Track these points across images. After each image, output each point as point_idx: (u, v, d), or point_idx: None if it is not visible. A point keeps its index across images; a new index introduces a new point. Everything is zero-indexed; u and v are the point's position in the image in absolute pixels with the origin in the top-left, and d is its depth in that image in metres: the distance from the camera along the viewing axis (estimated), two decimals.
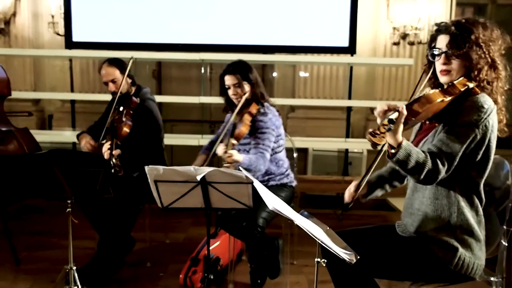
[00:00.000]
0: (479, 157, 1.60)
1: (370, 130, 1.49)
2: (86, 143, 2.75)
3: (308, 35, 4.39)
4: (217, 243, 2.85)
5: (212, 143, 2.72)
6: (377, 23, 4.94)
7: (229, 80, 2.55)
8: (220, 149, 2.38)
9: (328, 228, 1.63)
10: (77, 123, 4.71)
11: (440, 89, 1.60)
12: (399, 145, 1.51)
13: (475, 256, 1.65)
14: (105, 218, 2.67)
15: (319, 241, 1.34)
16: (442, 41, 1.64)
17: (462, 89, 1.59)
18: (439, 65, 1.66)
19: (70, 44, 4.45)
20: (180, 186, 2.02)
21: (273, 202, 1.31)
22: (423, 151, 1.57)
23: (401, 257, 1.70)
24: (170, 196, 2.08)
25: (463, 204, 1.64)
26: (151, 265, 2.95)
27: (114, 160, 2.50)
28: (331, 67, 4.98)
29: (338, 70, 4.99)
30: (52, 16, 4.85)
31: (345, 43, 4.31)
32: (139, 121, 2.82)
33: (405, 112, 1.48)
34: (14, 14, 5.12)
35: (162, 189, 2.04)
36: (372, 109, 4.66)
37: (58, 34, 4.83)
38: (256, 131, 2.51)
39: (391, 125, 1.47)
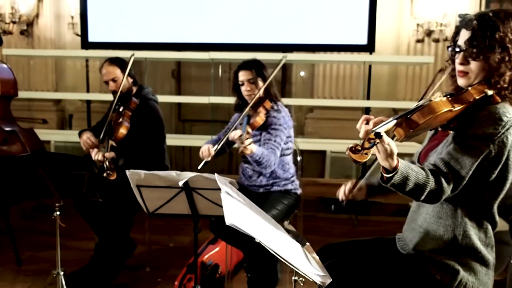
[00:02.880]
0: (493, 176, 1.38)
1: (351, 145, 1.27)
2: (86, 139, 2.66)
3: (325, 33, 4.22)
4: (217, 249, 2.75)
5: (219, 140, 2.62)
6: (400, 19, 4.70)
7: (243, 75, 2.48)
8: (235, 133, 2.25)
9: (307, 244, 1.50)
10: (93, 123, 4.73)
11: (449, 96, 1.38)
12: (395, 168, 1.30)
13: (479, 281, 1.46)
14: (101, 220, 2.62)
15: (283, 260, 1.21)
16: (463, 37, 1.40)
17: (478, 97, 1.37)
18: (457, 64, 1.44)
19: (86, 44, 4.48)
20: (164, 192, 1.93)
21: (235, 216, 1.18)
22: (423, 168, 1.36)
23: (396, 276, 1.53)
24: (155, 202, 2.00)
25: (470, 226, 1.44)
26: (150, 270, 2.89)
27: (107, 163, 2.43)
28: (351, 66, 4.78)
29: (359, 69, 4.78)
30: (72, 17, 4.91)
31: (363, 40, 4.12)
32: (140, 121, 2.76)
33: (386, 140, 1.25)
34: (37, 16, 5.21)
35: (146, 194, 1.96)
36: (394, 110, 4.44)
37: (77, 35, 4.87)
38: (268, 127, 2.43)
39: (378, 139, 1.25)
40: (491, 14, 1.37)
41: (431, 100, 1.36)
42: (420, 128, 1.35)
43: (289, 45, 4.37)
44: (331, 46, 4.33)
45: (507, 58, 1.35)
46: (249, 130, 2.28)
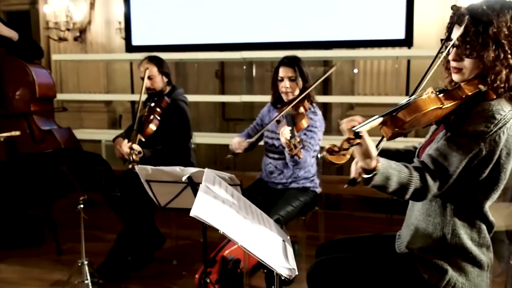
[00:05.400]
0: (484, 175, 1.31)
1: (328, 146, 1.23)
2: (117, 151, 2.75)
3: (363, 29, 4.13)
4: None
5: (249, 135, 2.66)
6: (444, 12, 4.48)
7: (284, 71, 2.47)
8: (285, 130, 2.13)
9: (288, 237, 1.50)
10: None
11: (438, 93, 1.31)
12: (374, 168, 1.25)
13: (470, 282, 1.39)
14: (127, 211, 2.74)
15: (247, 251, 1.22)
16: (455, 33, 1.32)
17: (470, 93, 1.30)
18: (450, 60, 1.37)
19: (130, 47, 4.70)
20: (172, 186, 2.00)
21: (202, 210, 1.21)
22: (407, 166, 1.31)
23: (385, 275, 1.49)
24: (165, 196, 2.08)
25: (460, 225, 1.38)
26: (177, 263, 2.99)
27: (133, 156, 2.55)
28: (392, 61, 4.62)
29: (400, 64, 4.62)
30: (119, 23, 5.18)
31: (401, 35, 3.98)
32: (169, 120, 2.86)
33: (361, 139, 1.20)
34: (89, 23, 5.55)
35: (155, 189, 2.04)
36: None
37: (124, 39, 5.13)
38: (306, 129, 2.41)
39: (358, 140, 1.20)
40: (485, 7, 1.27)
41: (418, 97, 1.30)
42: (406, 126, 1.30)
43: (327, 42, 4.32)
44: (369, 42, 4.23)
45: (502, 55, 1.26)
46: (296, 132, 2.22)
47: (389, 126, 1.31)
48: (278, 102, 2.57)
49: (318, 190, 2.58)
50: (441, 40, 1.40)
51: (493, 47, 1.26)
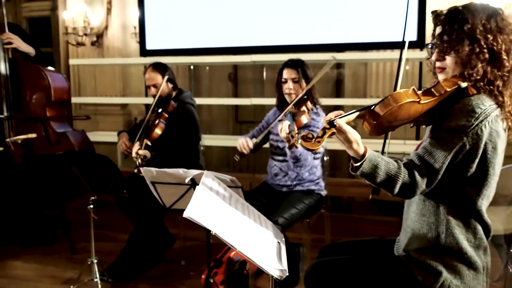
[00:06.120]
0: (471, 170, 1.34)
1: (303, 133, 1.32)
2: (122, 143, 2.92)
3: (374, 30, 4.12)
4: None
5: (254, 137, 2.69)
6: None
7: (288, 73, 2.54)
8: (284, 125, 2.18)
9: (283, 239, 1.53)
10: None
11: (414, 88, 1.36)
12: (363, 156, 1.32)
13: (466, 285, 1.39)
14: (137, 212, 2.81)
15: (239, 252, 1.25)
16: (436, 33, 1.41)
17: (449, 89, 1.34)
18: (434, 60, 1.44)
19: (144, 52, 4.80)
20: (176, 188, 2.06)
21: (194, 210, 1.25)
22: (396, 160, 1.36)
23: (380, 277, 1.51)
24: (170, 197, 2.13)
25: (454, 224, 1.39)
26: (185, 263, 3.04)
27: (139, 160, 2.62)
28: (404, 63, 4.59)
29: (413, 66, 4.59)
30: (134, 27, 5.28)
31: (413, 37, 3.95)
32: (177, 123, 2.92)
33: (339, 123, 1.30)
34: (106, 28, 5.66)
35: (161, 190, 2.10)
36: None
37: (139, 43, 5.23)
38: (307, 128, 2.47)
39: (332, 128, 1.28)
40: (460, 8, 1.35)
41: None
42: (384, 120, 1.33)
43: (339, 44, 4.33)
44: (380, 44, 4.22)
45: (477, 50, 1.31)
46: (295, 127, 2.30)
47: (368, 120, 1.36)
48: (283, 104, 2.60)
49: (324, 192, 2.60)
50: (426, 45, 1.47)
51: (468, 42, 1.32)
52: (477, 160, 1.32)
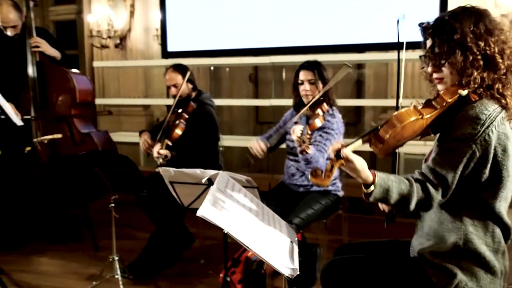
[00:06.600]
0: (485, 176, 1.33)
1: (314, 169, 1.35)
2: (144, 141, 2.99)
3: (395, 30, 4.08)
4: None
5: (270, 137, 2.72)
6: None
7: (304, 75, 2.56)
8: (297, 128, 2.23)
9: (296, 239, 1.56)
10: None
11: (416, 105, 1.36)
12: (372, 182, 1.33)
13: None
14: (157, 211, 2.87)
15: (250, 250, 1.28)
16: (427, 46, 1.42)
17: (451, 100, 1.34)
18: (431, 72, 1.44)
19: (165, 54, 4.88)
20: (194, 188, 2.10)
21: (208, 210, 1.29)
22: (407, 178, 1.35)
23: (394, 277, 1.52)
24: (188, 197, 2.18)
25: (472, 229, 1.38)
26: (204, 262, 3.08)
27: (161, 160, 2.69)
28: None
29: None
30: (157, 30, 5.37)
31: None
32: (196, 123, 2.97)
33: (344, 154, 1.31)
34: (129, 30, 5.78)
35: (179, 190, 2.14)
36: None
37: (160, 45, 5.33)
38: (321, 129, 2.48)
39: (341, 161, 1.30)
40: (447, 18, 1.35)
41: (397, 112, 1.36)
42: (391, 141, 1.34)
43: (359, 45, 4.31)
44: (398, 44, 4.16)
45: (471, 58, 1.31)
46: (309, 132, 2.32)
47: (374, 144, 1.37)
48: (299, 105, 2.62)
49: (341, 193, 2.61)
50: (420, 56, 1.47)
51: (460, 52, 1.32)
52: (489, 165, 1.32)
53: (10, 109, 2.83)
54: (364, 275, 1.53)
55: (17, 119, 2.88)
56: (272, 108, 4.58)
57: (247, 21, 4.56)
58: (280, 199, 2.55)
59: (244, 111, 5.84)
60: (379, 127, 1.35)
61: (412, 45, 4.13)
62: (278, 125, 2.82)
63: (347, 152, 1.31)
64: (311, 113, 2.47)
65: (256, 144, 2.53)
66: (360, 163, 1.32)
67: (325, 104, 2.52)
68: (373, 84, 5.05)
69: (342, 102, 4.44)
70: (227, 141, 4.44)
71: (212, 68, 4.86)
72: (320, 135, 2.45)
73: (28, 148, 3.20)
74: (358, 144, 1.37)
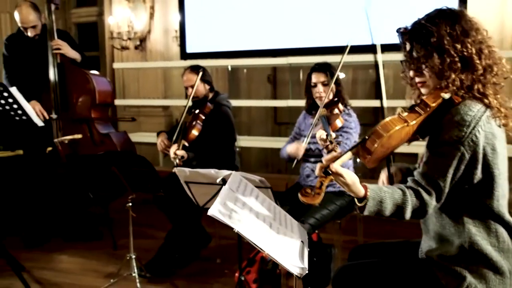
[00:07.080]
0: (477, 177, 1.33)
1: (303, 188, 1.35)
2: (160, 142, 3.03)
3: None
4: None
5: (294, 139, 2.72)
6: (503, 11, 4.27)
7: (316, 77, 2.57)
8: (321, 133, 2.20)
9: (306, 238, 1.56)
10: None
11: (401, 113, 1.36)
12: (365, 196, 1.34)
13: None
14: (175, 211, 2.90)
15: (260, 249, 1.29)
16: (406, 51, 1.42)
17: (434, 104, 1.34)
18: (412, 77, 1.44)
19: (184, 55, 4.94)
20: (209, 188, 2.12)
21: (219, 209, 1.30)
22: (400, 187, 1.35)
23: (404, 279, 1.51)
24: (203, 197, 2.20)
25: (476, 231, 1.38)
26: (220, 262, 3.11)
27: (177, 161, 2.72)
28: None
29: None
30: (176, 31, 5.43)
31: None
32: (213, 124, 3.00)
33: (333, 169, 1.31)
34: (149, 32, 5.86)
35: (194, 190, 2.17)
36: None
37: (179, 46, 5.39)
38: (340, 129, 2.48)
39: (330, 177, 1.31)
40: (423, 21, 1.35)
41: (381, 122, 1.36)
42: (378, 151, 1.34)
43: (374, 46, 4.27)
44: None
45: (448, 60, 1.31)
46: (333, 134, 2.26)
47: (363, 155, 1.38)
48: (312, 108, 2.62)
49: None
50: (401, 61, 1.46)
51: (437, 55, 1.31)
52: (479, 166, 1.31)
53: (31, 110, 2.90)
54: (374, 281, 1.53)
55: (38, 120, 2.95)
56: (289, 108, 4.58)
57: (265, 22, 4.58)
58: (295, 199, 2.55)
59: (262, 112, 5.86)
60: (366, 138, 1.35)
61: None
62: (294, 132, 2.82)
63: (336, 166, 1.32)
64: (329, 113, 2.47)
65: (295, 147, 2.50)
66: (351, 177, 1.33)
67: (340, 105, 2.52)
68: (392, 85, 5.00)
69: (361, 103, 4.43)
70: (245, 141, 4.47)
71: (230, 69, 4.88)
72: (341, 135, 2.44)
73: (50, 148, 3.28)
74: (346, 158, 1.38)
